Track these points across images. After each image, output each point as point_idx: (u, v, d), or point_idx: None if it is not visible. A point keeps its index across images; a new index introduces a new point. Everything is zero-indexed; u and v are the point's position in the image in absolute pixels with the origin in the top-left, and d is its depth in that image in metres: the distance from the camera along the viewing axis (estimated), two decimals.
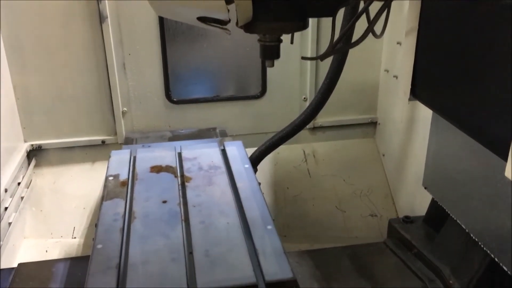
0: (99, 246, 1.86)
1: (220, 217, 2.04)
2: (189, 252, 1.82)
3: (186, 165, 2.49)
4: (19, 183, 2.94)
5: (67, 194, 3.20)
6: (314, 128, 3.55)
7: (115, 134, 3.27)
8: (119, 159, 2.57)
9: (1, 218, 2.64)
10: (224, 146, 2.72)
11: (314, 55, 3.22)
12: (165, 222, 2.00)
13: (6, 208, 2.70)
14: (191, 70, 3.36)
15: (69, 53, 3.05)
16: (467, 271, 2.12)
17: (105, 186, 2.31)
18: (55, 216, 3.12)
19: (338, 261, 2.44)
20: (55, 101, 3.14)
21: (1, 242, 2.56)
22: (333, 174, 3.49)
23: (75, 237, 3.07)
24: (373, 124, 3.61)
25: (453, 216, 2.21)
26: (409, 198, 3.17)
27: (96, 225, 2.02)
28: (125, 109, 3.23)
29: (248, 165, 2.50)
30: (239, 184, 2.31)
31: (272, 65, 1.78)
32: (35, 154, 3.22)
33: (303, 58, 1.99)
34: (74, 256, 2.64)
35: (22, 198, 2.95)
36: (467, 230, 2.10)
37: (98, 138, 3.27)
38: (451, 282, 2.15)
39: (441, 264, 2.26)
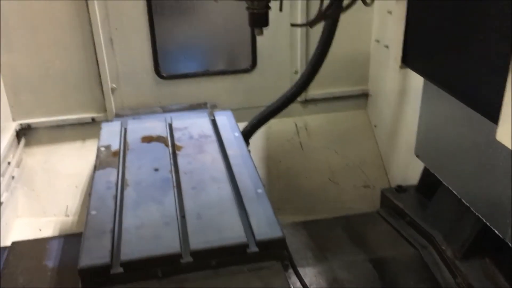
0: (93, 212, 1.90)
1: (211, 182, 2.08)
2: (182, 216, 1.88)
3: (176, 134, 2.52)
4: (9, 163, 2.91)
5: (58, 173, 3.17)
6: (306, 101, 3.53)
7: (105, 111, 3.23)
8: (110, 131, 2.59)
9: None
10: (214, 116, 2.74)
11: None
12: (157, 189, 2.04)
13: None
14: (180, 45, 3.32)
15: (54, 29, 2.98)
16: (459, 237, 2.14)
17: (97, 156, 2.33)
18: (48, 195, 3.10)
19: (332, 231, 2.46)
20: (42, 79, 3.09)
21: None
22: (326, 147, 3.49)
23: (68, 215, 3.06)
24: (365, 95, 3.60)
25: (445, 183, 2.22)
26: (401, 168, 3.18)
27: (89, 194, 2.04)
28: (114, 85, 3.19)
29: (238, 134, 2.53)
30: (229, 152, 2.34)
31: (261, 33, 1.76)
32: (24, 133, 3.18)
33: (292, 25, 1.96)
34: (67, 234, 2.63)
35: (13, 177, 2.93)
36: (459, 197, 2.11)
37: (88, 115, 3.24)
38: (443, 247, 2.18)
39: (434, 230, 2.28)
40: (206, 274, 1.70)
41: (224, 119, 2.70)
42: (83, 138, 3.27)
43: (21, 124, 3.14)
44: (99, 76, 3.13)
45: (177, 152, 2.35)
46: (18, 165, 3.04)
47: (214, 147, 2.39)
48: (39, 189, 3.10)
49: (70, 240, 2.35)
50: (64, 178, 3.15)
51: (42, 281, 2.08)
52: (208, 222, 1.83)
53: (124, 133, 2.57)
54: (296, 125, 3.53)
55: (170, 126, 2.63)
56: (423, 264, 2.19)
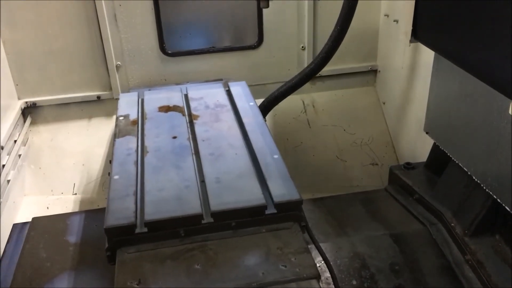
0: (116, 177, 1.96)
1: (229, 149, 2.14)
2: (201, 181, 1.93)
3: (193, 104, 2.58)
4: (15, 141, 2.90)
5: (65, 151, 3.17)
6: (313, 78, 3.47)
7: (110, 89, 3.21)
8: (128, 101, 2.67)
9: None
10: (228, 87, 2.79)
11: None
12: (176, 155, 2.10)
13: (3, 166, 2.67)
14: (185, 21, 3.26)
15: (58, 6, 2.94)
16: (468, 214, 2.11)
17: (116, 125, 2.40)
18: (55, 173, 3.11)
19: (339, 209, 2.44)
20: (47, 56, 3.06)
21: (0, 199, 2.55)
22: (333, 124, 3.45)
23: (75, 194, 3.06)
24: (373, 72, 3.54)
25: (454, 159, 2.19)
26: (410, 145, 3.15)
27: (110, 161, 2.10)
28: (119, 63, 3.16)
29: (252, 103, 2.58)
30: (245, 120, 2.39)
31: (267, 6, 1.71)
32: (30, 112, 3.17)
33: None
34: (88, 209, 2.63)
35: (19, 156, 2.93)
36: (469, 173, 2.08)
37: (93, 93, 3.21)
38: (452, 224, 2.16)
39: (443, 207, 2.25)
40: (226, 234, 1.75)
41: (239, 89, 2.75)
42: (89, 116, 3.25)
43: (26, 102, 3.13)
44: (104, 53, 3.10)
45: (194, 120, 2.41)
46: (24, 143, 3.04)
47: (230, 115, 2.45)
48: (45, 167, 3.11)
49: (91, 216, 2.36)
50: (70, 156, 3.15)
51: (64, 256, 2.10)
52: (227, 186, 1.89)
53: (141, 103, 2.64)
54: (303, 102, 3.49)
55: (186, 96, 2.70)
56: (432, 241, 2.17)
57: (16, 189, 2.85)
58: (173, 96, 2.68)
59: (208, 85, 2.91)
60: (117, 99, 3.17)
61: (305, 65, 3.36)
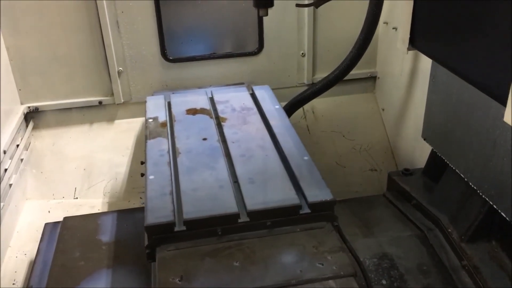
0: (151, 177, 2.01)
1: (259, 150, 2.18)
2: (234, 181, 1.97)
3: (219, 107, 2.64)
4: (17, 145, 2.93)
5: (66, 156, 3.20)
6: (313, 84, 3.50)
7: (112, 95, 3.24)
8: (155, 104, 2.72)
9: (1, 179, 2.64)
10: (252, 90, 2.85)
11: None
12: (208, 156, 2.15)
13: (5, 170, 2.70)
14: (186, 27, 3.29)
15: (61, 12, 2.97)
16: (465, 220, 2.13)
17: (146, 127, 2.45)
18: (56, 178, 3.13)
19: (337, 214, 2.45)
20: (50, 62, 3.09)
21: (2, 203, 2.58)
22: (333, 130, 3.48)
23: (76, 198, 3.09)
24: (373, 78, 3.57)
25: (452, 166, 2.21)
26: (408, 151, 3.17)
27: (142, 162, 2.17)
28: (120, 68, 3.19)
29: (278, 106, 2.64)
30: (272, 122, 2.44)
31: (266, 14, 1.74)
32: (32, 116, 3.20)
33: (298, 5, 1.96)
34: (119, 209, 2.64)
35: (21, 160, 2.95)
36: (465, 179, 2.10)
37: (95, 99, 3.24)
38: (449, 230, 2.18)
39: (440, 213, 2.27)
40: (261, 233, 1.79)
41: (263, 93, 2.81)
42: (91, 121, 3.28)
43: (29, 107, 3.16)
44: (106, 59, 3.13)
45: (222, 123, 2.46)
46: (26, 147, 3.07)
47: (257, 118, 2.50)
48: (47, 172, 3.13)
49: (121, 215, 2.41)
50: (72, 161, 3.18)
51: (98, 254, 2.15)
52: (261, 186, 1.93)
53: (168, 106, 2.70)
54: (303, 108, 3.50)
55: (212, 99, 2.76)
56: (429, 247, 2.19)
57: (18, 193, 2.88)
58: (199, 99, 2.74)
59: (232, 88, 2.97)
60: (119, 104, 3.23)
61: (305, 72, 3.42)
